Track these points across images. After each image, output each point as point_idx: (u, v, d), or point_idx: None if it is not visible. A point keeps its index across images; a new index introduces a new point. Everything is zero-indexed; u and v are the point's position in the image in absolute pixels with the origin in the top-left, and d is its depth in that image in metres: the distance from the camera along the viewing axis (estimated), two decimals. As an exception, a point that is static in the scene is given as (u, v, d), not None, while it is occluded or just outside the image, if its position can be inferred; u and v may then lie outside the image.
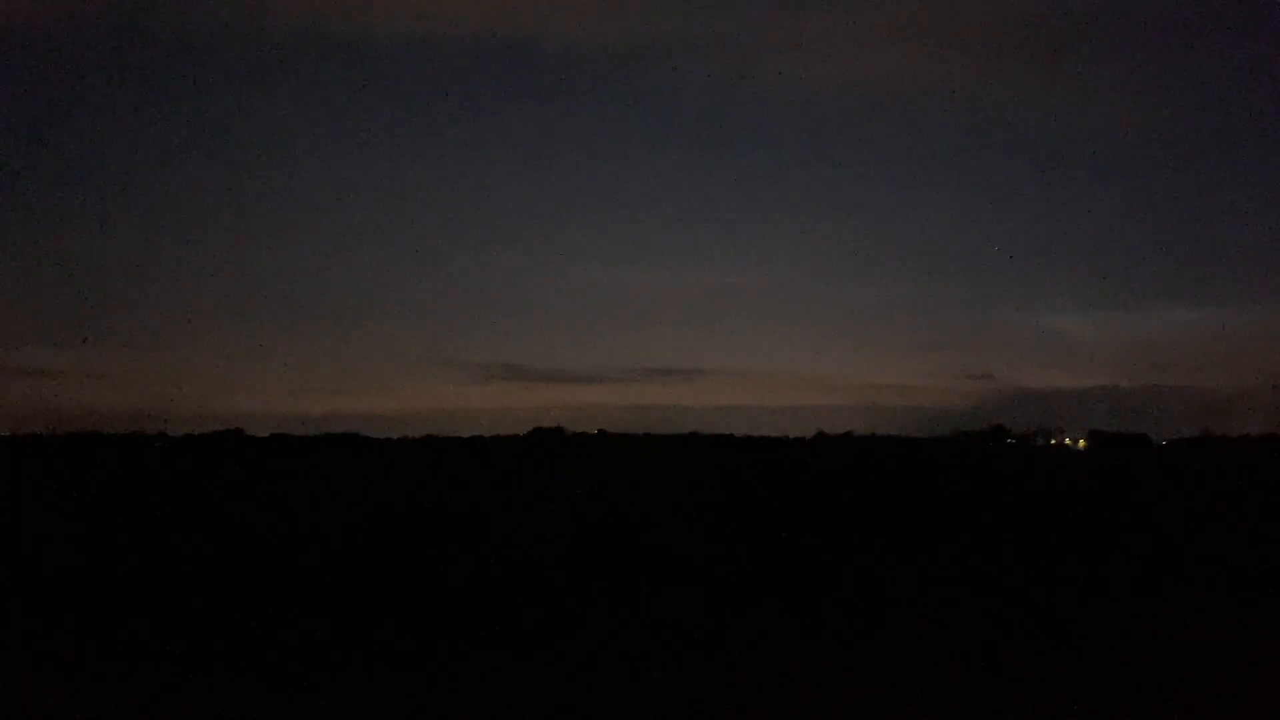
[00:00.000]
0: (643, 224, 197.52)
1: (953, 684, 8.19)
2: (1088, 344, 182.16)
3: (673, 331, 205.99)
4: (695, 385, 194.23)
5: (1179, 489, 33.35)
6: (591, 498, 31.03)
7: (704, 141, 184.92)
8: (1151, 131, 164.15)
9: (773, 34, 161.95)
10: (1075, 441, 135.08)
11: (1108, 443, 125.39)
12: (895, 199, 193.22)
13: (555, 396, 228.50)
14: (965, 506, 25.59)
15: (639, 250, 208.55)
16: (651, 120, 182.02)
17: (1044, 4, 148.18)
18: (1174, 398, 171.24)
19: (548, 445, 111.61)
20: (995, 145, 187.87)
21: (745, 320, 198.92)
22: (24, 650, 9.53)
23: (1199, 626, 10.28)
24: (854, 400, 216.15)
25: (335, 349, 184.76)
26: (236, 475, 44.46)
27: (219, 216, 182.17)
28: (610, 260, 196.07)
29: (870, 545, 16.84)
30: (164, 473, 45.68)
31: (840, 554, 15.86)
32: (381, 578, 13.90)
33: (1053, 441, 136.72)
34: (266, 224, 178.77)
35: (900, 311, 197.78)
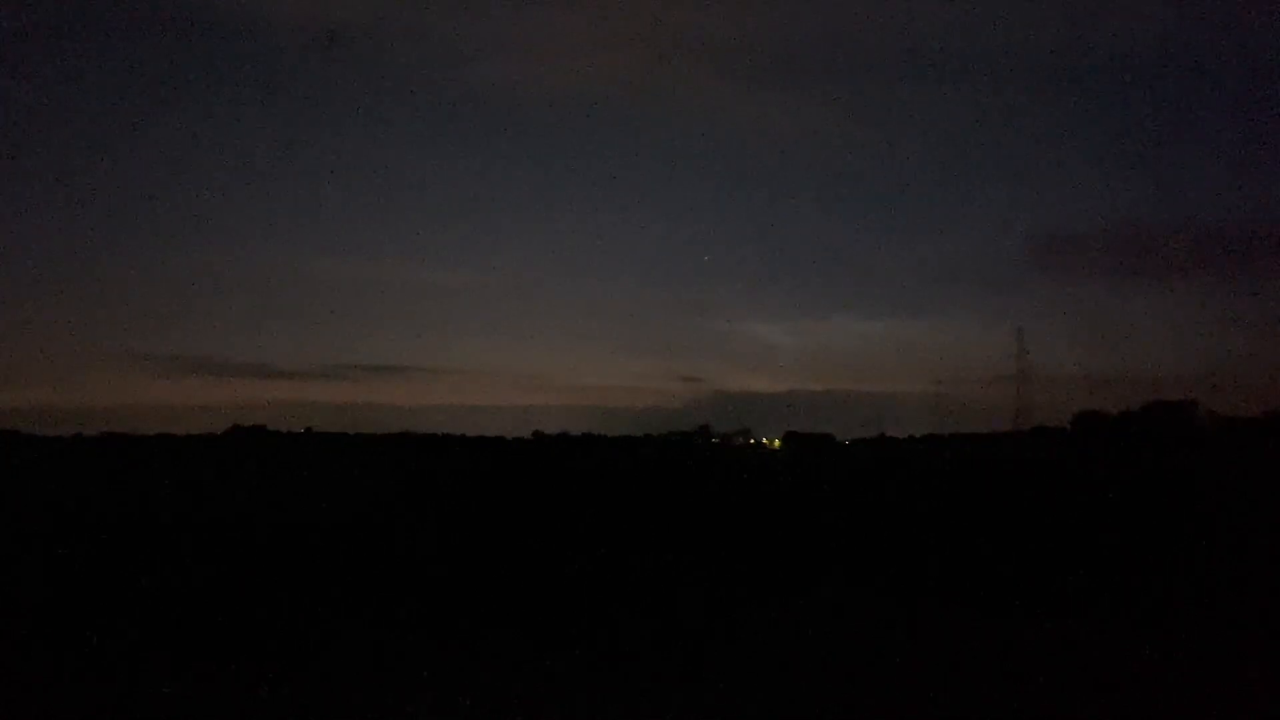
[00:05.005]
0: (352, 215, 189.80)
1: (640, 680, 8.31)
2: (783, 351, 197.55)
3: (386, 327, 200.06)
4: (409, 383, 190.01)
5: (860, 485, 36.64)
6: (296, 500, 29.22)
7: (422, 133, 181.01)
8: (839, 157, 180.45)
9: (492, 29, 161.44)
10: (771, 441, 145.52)
11: (800, 442, 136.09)
12: (613, 204, 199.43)
13: (257, 392, 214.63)
14: (673, 503, 26.61)
15: (350, 242, 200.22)
16: (365, 107, 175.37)
17: (758, 27, 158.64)
18: (854, 401, 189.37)
19: (248, 444, 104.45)
20: (708, 157, 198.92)
21: (462, 319, 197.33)
22: None
23: (875, 623, 11.15)
24: (570, 400, 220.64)
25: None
26: None
27: None
28: (319, 251, 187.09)
29: (586, 543, 17.01)
30: None
31: (558, 554, 15.87)
32: (41, 592, 12.20)
33: (751, 441, 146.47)
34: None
35: (616, 315, 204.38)
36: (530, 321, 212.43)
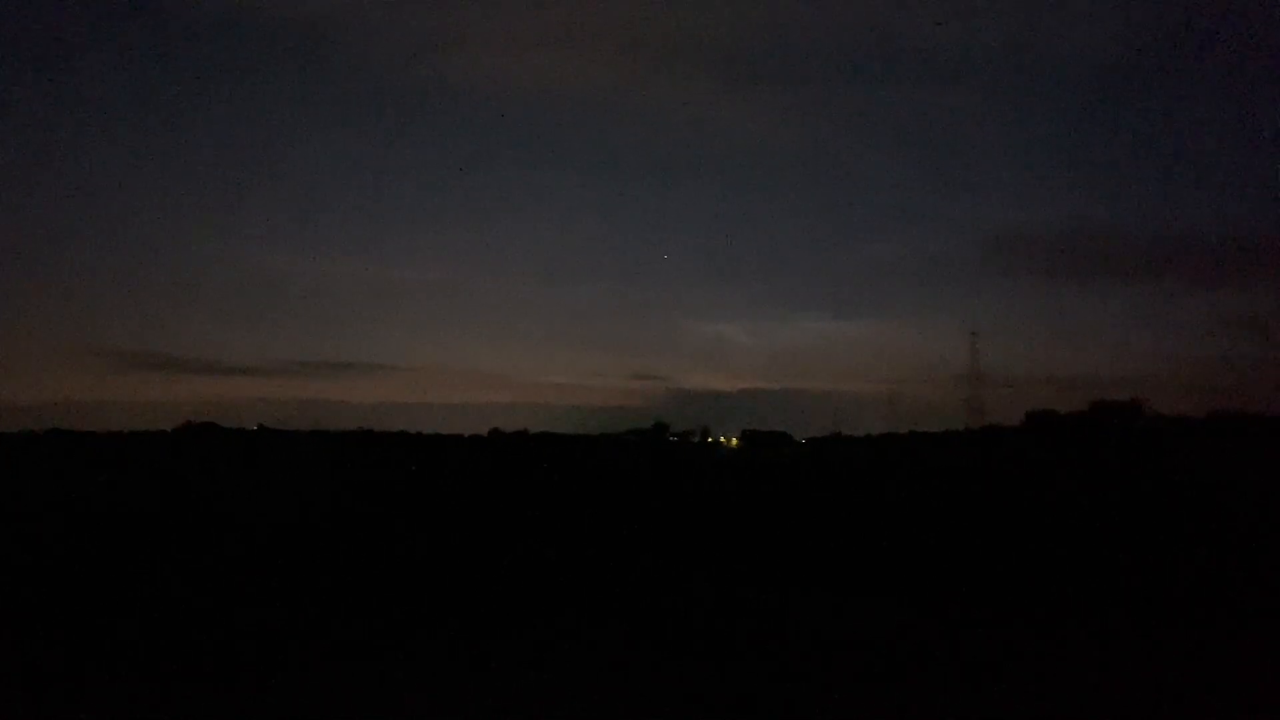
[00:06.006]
0: (311, 212, 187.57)
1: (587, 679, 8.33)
2: (741, 349, 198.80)
3: (342, 323, 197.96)
4: (367, 380, 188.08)
5: (818, 482, 36.99)
6: (250, 498, 28.80)
7: (385, 128, 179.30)
8: (796, 159, 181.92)
9: (457, 24, 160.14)
10: (729, 439, 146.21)
11: (757, 441, 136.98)
12: (574, 202, 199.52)
13: (209, 389, 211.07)
14: (632, 500, 26.65)
15: (307, 237, 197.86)
16: (326, 100, 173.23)
17: (720, 31, 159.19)
18: (810, 400, 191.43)
19: (200, 441, 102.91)
20: (667, 158, 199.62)
21: (421, 315, 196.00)
22: None
23: (835, 614, 11.26)
24: (528, 398, 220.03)
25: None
26: None
27: None
28: (276, 246, 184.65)
29: (546, 539, 16.97)
30: None
31: (519, 550, 15.82)
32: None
33: (709, 439, 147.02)
34: None
35: (575, 313, 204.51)
36: (489, 320, 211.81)
